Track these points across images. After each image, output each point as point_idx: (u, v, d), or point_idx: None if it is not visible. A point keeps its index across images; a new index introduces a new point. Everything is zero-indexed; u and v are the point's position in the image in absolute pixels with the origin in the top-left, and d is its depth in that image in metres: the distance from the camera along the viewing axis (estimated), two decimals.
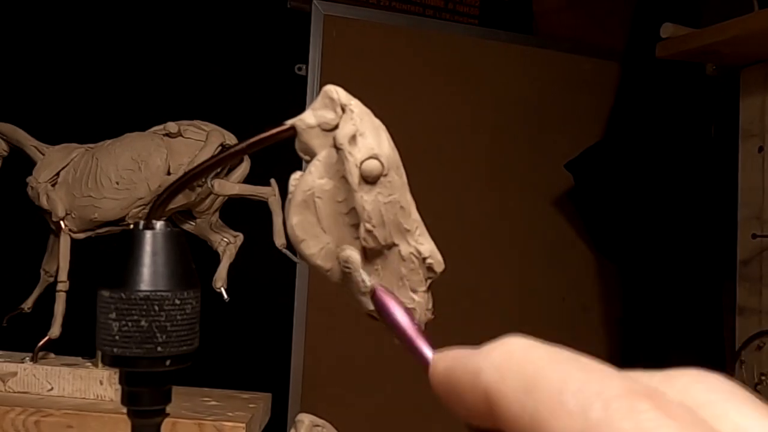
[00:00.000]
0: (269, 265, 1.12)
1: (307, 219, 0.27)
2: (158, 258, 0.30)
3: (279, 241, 0.83)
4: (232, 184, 0.80)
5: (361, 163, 0.25)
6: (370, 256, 0.26)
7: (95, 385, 0.75)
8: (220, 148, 0.81)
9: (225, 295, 0.81)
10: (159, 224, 0.30)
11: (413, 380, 1.51)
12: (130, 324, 0.29)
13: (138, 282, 0.29)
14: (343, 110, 0.27)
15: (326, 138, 0.27)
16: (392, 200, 0.25)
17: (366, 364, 1.51)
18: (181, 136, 0.82)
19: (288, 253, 0.84)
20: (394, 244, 0.26)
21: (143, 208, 0.80)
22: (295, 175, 0.28)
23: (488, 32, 1.58)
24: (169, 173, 0.80)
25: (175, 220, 0.84)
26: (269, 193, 0.81)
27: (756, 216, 1.30)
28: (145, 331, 0.29)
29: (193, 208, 0.82)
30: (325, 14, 1.50)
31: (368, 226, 0.25)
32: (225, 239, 0.83)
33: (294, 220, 0.27)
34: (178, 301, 0.29)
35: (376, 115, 0.27)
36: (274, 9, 1.53)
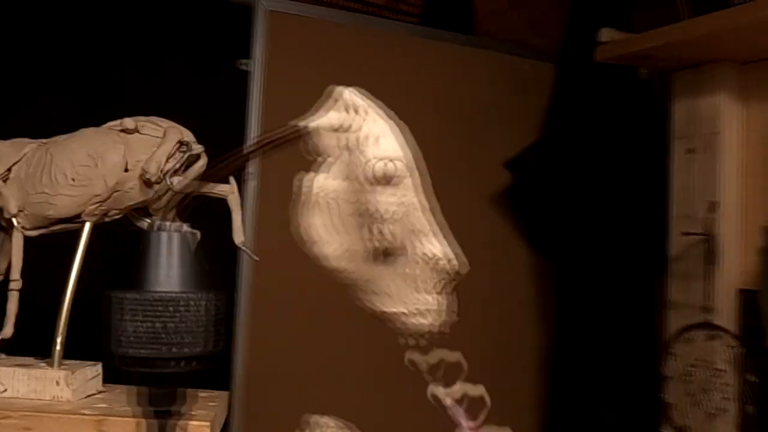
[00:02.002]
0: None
1: (320, 220, 0.27)
2: (171, 259, 0.30)
3: (238, 238, 0.82)
4: (192, 182, 0.79)
5: (376, 164, 0.25)
6: (381, 256, 0.26)
7: (51, 386, 0.73)
8: (178, 145, 0.80)
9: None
10: (173, 225, 0.30)
11: (360, 378, 1.52)
12: (143, 325, 0.29)
13: (151, 283, 0.29)
14: (356, 111, 0.27)
15: (338, 139, 0.27)
16: (405, 201, 0.25)
17: (312, 360, 1.51)
18: (138, 132, 0.81)
19: (247, 250, 0.84)
20: (407, 246, 0.26)
21: (99, 205, 0.79)
22: (308, 176, 0.28)
23: (430, 32, 1.59)
24: (126, 170, 0.79)
25: (130, 217, 0.83)
26: (228, 190, 0.81)
27: (686, 215, 1.36)
28: (157, 332, 0.29)
29: (150, 205, 0.81)
30: (268, 9, 1.49)
31: (380, 226, 0.25)
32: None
33: (307, 221, 0.27)
34: (192, 303, 0.29)
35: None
36: (215, 2, 1.51)
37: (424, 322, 0.26)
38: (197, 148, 0.80)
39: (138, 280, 0.29)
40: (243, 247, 0.81)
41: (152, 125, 0.80)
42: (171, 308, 0.28)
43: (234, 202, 0.81)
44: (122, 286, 0.30)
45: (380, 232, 0.25)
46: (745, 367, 1.26)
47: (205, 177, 0.27)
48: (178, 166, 0.80)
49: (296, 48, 1.51)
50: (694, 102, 1.36)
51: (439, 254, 0.26)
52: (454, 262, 0.26)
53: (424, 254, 0.26)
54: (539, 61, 1.68)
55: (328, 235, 0.27)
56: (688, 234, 1.33)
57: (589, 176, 1.58)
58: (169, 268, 0.29)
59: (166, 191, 0.80)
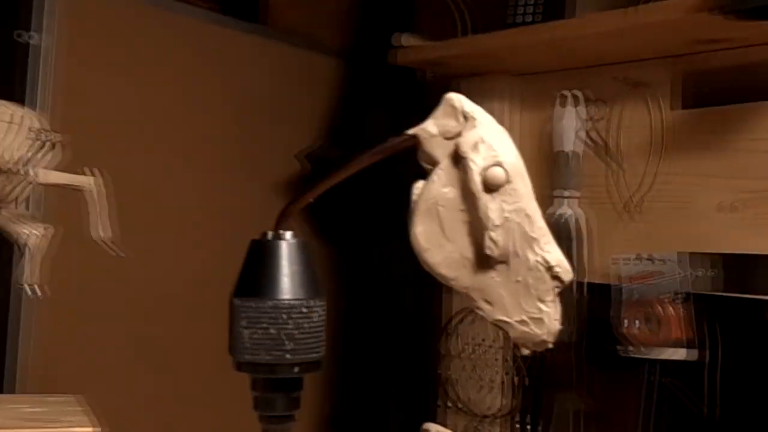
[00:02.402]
0: None
1: (431, 228, 0.28)
2: (287, 268, 0.31)
3: (95, 233, 0.79)
4: (54, 173, 0.74)
5: (485, 170, 0.27)
6: (493, 264, 0.27)
7: None
8: (31, 132, 0.75)
9: (37, 292, 0.75)
10: (288, 234, 0.31)
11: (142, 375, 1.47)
12: (259, 332, 0.30)
13: (267, 291, 0.30)
14: (466, 118, 0.28)
15: (449, 146, 0.28)
16: (517, 208, 0.27)
17: (94, 359, 1.44)
18: None
19: (106, 245, 0.80)
20: (519, 253, 0.27)
21: None
22: (418, 184, 0.29)
23: (224, 19, 1.58)
24: None
25: None
26: (87, 183, 0.77)
27: None
28: (274, 339, 0.30)
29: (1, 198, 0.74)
30: None
31: (493, 234, 0.26)
32: (33, 232, 0.77)
33: (418, 229, 0.28)
34: (305, 310, 0.31)
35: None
36: None
37: (538, 331, 0.27)
38: (54, 137, 0.75)
39: (262, 288, 0.29)
40: (102, 242, 0.78)
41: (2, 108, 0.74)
42: (295, 315, 0.29)
43: (92, 195, 0.77)
44: (245, 294, 0.30)
45: (492, 240, 0.26)
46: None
47: (320, 186, 0.27)
48: (30, 155, 0.75)
49: (87, 23, 1.42)
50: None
51: (554, 261, 0.26)
52: (568, 269, 0.27)
53: (540, 261, 0.26)
54: (331, 57, 1.74)
55: (437, 243, 0.27)
56: None
57: (373, 169, 1.68)
58: (291, 275, 0.29)
59: (19, 182, 0.74)
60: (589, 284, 1.36)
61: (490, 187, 0.25)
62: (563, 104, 1.36)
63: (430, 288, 1.66)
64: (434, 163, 0.28)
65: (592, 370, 1.43)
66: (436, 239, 0.27)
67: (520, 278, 0.26)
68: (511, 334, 0.26)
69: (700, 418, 1.36)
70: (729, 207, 1.27)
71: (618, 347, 1.33)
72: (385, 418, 1.75)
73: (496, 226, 0.25)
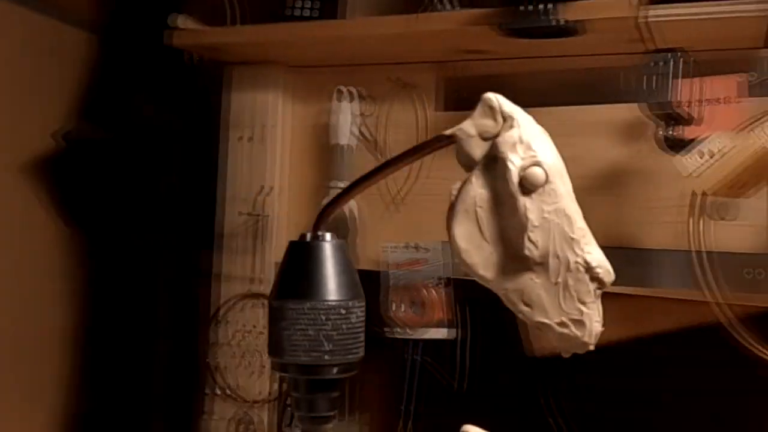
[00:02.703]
0: None
1: (469, 229, 0.28)
2: (326, 269, 0.32)
3: None
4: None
5: (524, 170, 0.27)
6: (533, 266, 0.28)
7: None
8: None
9: None
10: (328, 235, 0.32)
11: None
12: (298, 333, 0.30)
13: (306, 292, 0.31)
14: (504, 118, 0.29)
15: (487, 147, 0.28)
16: (556, 208, 0.27)
17: None
18: None
19: None
20: (559, 254, 0.27)
21: None
22: (456, 185, 0.30)
23: None
24: None
25: None
26: None
27: (240, 196, 1.51)
28: (312, 340, 0.31)
29: None
30: None
31: (531, 235, 0.27)
32: None
33: (457, 230, 0.28)
34: (343, 311, 0.32)
35: None
36: None
37: (579, 333, 0.28)
38: None
39: (301, 289, 0.28)
40: None
41: None
42: (333, 316, 0.29)
43: None
44: (287, 296, 0.28)
45: (531, 241, 0.26)
46: None
47: (354, 188, 0.26)
48: None
49: None
50: (250, 95, 1.51)
51: (595, 263, 0.27)
52: (610, 270, 0.27)
53: (580, 263, 0.27)
54: (85, 30, 1.62)
55: (476, 245, 0.27)
56: (242, 214, 1.48)
57: (134, 153, 1.61)
58: (330, 276, 0.29)
59: None
60: (361, 271, 1.43)
61: (529, 188, 0.26)
62: (340, 99, 1.42)
63: (197, 277, 1.63)
64: (473, 164, 0.28)
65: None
66: (475, 240, 0.28)
67: (560, 279, 0.27)
68: (551, 336, 0.27)
69: (452, 392, 1.50)
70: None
71: (385, 329, 1.43)
72: (146, 412, 1.68)
73: (535, 227, 0.26)
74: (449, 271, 1.40)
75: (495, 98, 0.27)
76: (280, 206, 1.50)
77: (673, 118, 1.10)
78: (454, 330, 1.42)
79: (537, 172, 0.25)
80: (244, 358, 1.48)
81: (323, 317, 0.31)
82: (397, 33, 1.31)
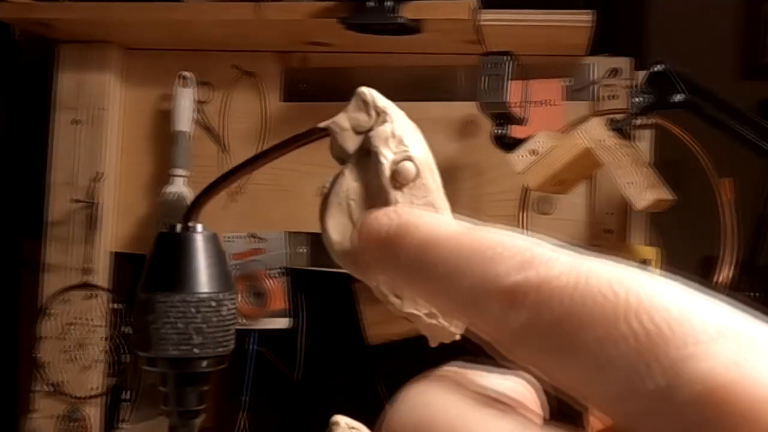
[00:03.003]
0: None
1: (342, 221, 0.29)
2: (196, 261, 0.32)
3: None
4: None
5: (395, 164, 0.28)
6: None
7: None
8: None
9: None
10: (198, 226, 0.32)
11: None
12: (167, 326, 0.30)
13: (175, 285, 0.30)
14: (378, 112, 0.30)
15: (360, 140, 0.29)
16: (426, 203, 0.28)
17: None
18: None
19: None
20: None
21: None
22: (329, 178, 0.30)
23: None
24: None
25: None
26: None
27: (70, 182, 1.43)
28: (181, 333, 0.31)
29: None
30: None
31: None
32: None
33: (330, 222, 0.29)
34: (214, 303, 0.32)
35: None
36: None
37: (446, 323, 0.28)
38: None
39: (170, 282, 0.27)
40: None
41: None
42: (203, 308, 0.28)
43: None
44: (155, 288, 0.27)
45: None
46: (122, 321, 1.42)
47: (228, 178, 0.25)
48: None
49: None
50: (82, 76, 1.44)
51: None
52: None
53: None
54: None
55: (347, 237, 0.28)
56: (74, 201, 1.41)
57: None
58: (200, 268, 0.28)
59: None
60: None
61: (401, 182, 0.27)
62: (181, 84, 1.39)
63: (21, 267, 1.54)
64: (346, 157, 0.29)
65: None
66: (348, 233, 0.28)
67: None
68: (420, 326, 0.28)
69: (291, 381, 1.52)
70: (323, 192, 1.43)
71: None
72: None
73: None
74: (288, 261, 1.41)
75: (369, 92, 0.27)
76: (111, 194, 1.44)
77: (505, 117, 1.16)
78: (293, 320, 1.43)
79: (408, 167, 0.26)
80: (74, 352, 1.42)
81: (193, 310, 0.31)
82: (241, 20, 1.30)
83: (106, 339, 1.42)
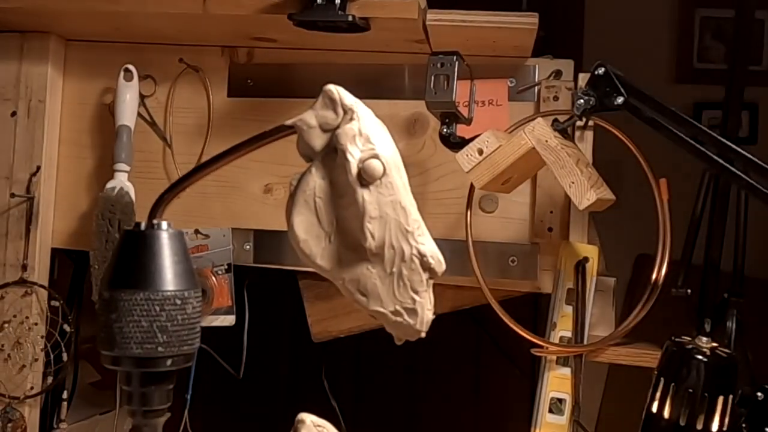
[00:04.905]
0: None
1: (309, 219, 0.28)
2: (161, 259, 0.31)
3: None
4: None
5: (362, 162, 0.28)
6: (367, 256, 0.28)
7: None
8: None
9: None
10: (164, 224, 0.32)
11: None
12: (131, 324, 0.30)
13: (139, 283, 0.30)
14: (345, 111, 0.29)
15: (327, 138, 0.29)
16: (393, 200, 0.28)
17: None
18: None
19: None
20: (394, 244, 0.28)
21: None
22: (296, 175, 0.30)
23: None
24: None
25: None
26: None
27: (6, 176, 1.39)
28: (146, 332, 0.30)
29: None
30: None
31: (369, 226, 0.27)
32: None
33: (296, 219, 0.29)
34: (179, 302, 0.32)
35: None
36: None
37: (411, 321, 0.28)
38: None
39: (135, 280, 0.26)
40: None
41: None
42: (168, 307, 0.28)
43: None
44: (119, 286, 0.26)
45: (369, 232, 0.26)
46: (61, 319, 1.39)
47: (195, 174, 0.24)
48: None
49: None
50: (20, 67, 1.40)
51: (428, 253, 0.27)
52: (441, 260, 0.27)
53: (416, 253, 0.27)
54: None
55: (315, 234, 0.28)
56: (12, 196, 1.37)
57: None
58: (165, 266, 0.28)
59: None
60: None
61: (367, 180, 0.27)
62: (125, 78, 1.36)
63: None
64: (313, 155, 0.29)
65: None
66: (314, 230, 0.28)
67: (394, 269, 0.27)
68: (386, 324, 0.28)
69: (234, 379, 1.51)
70: (268, 189, 1.43)
71: None
72: None
73: (373, 218, 0.27)
74: (232, 258, 1.40)
75: (336, 90, 0.27)
76: (50, 188, 1.41)
77: (452, 116, 1.18)
78: (235, 317, 1.42)
79: (375, 165, 0.26)
80: (10, 351, 1.38)
81: (157, 308, 0.31)
82: (187, 14, 1.28)
83: (43, 337, 1.39)
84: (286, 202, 1.42)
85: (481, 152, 1.14)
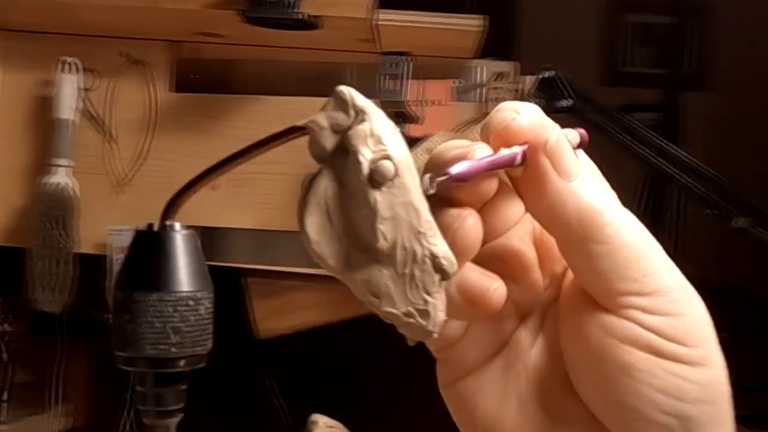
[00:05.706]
0: None
1: (321, 220, 0.28)
2: (174, 260, 0.31)
3: None
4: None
5: (374, 163, 0.28)
6: (379, 258, 0.28)
7: None
8: None
9: None
10: (177, 224, 0.32)
11: None
12: (144, 325, 0.30)
13: (152, 283, 0.30)
14: (356, 112, 0.29)
15: (338, 139, 0.29)
16: (405, 201, 0.28)
17: None
18: None
19: None
20: (407, 246, 0.28)
21: None
22: (307, 176, 0.30)
23: None
24: None
25: None
26: None
27: None
28: (159, 332, 0.30)
29: None
30: None
31: (381, 227, 0.27)
32: None
33: (308, 221, 0.29)
34: (192, 302, 0.32)
35: None
36: None
37: (423, 322, 0.28)
38: None
39: (148, 281, 0.26)
40: None
41: None
42: (181, 307, 0.28)
43: None
44: (132, 287, 0.25)
45: (381, 233, 0.26)
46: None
47: (207, 175, 0.24)
48: None
49: None
50: None
51: (441, 254, 0.27)
52: (453, 261, 0.27)
53: (428, 254, 0.27)
54: None
55: (327, 236, 0.27)
56: None
57: None
58: (179, 267, 0.27)
59: None
60: (82, 255, 1.36)
61: (379, 181, 0.27)
62: (63, 70, 1.33)
63: None
64: (324, 156, 0.29)
65: (81, 340, 1.43)
66: (326, 232, 0.28)
67: (406, 271, 0.27)
68: (398, 325, 0.28)
69: None
70: (212, 185, 1.41)
71: (106, 315, 1.37)
72: None
73: (385, 219, 0.27)
74: None
75: (347, 91, 0.27)
76: None
77: (402, 116, 1.19)
78: None
79: (387, 166, 0.26)
80: None
81: (171, 309, 0.31)
82: (135, 6, 1.25)
83: None
84: (231, 199, 1.40)
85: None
